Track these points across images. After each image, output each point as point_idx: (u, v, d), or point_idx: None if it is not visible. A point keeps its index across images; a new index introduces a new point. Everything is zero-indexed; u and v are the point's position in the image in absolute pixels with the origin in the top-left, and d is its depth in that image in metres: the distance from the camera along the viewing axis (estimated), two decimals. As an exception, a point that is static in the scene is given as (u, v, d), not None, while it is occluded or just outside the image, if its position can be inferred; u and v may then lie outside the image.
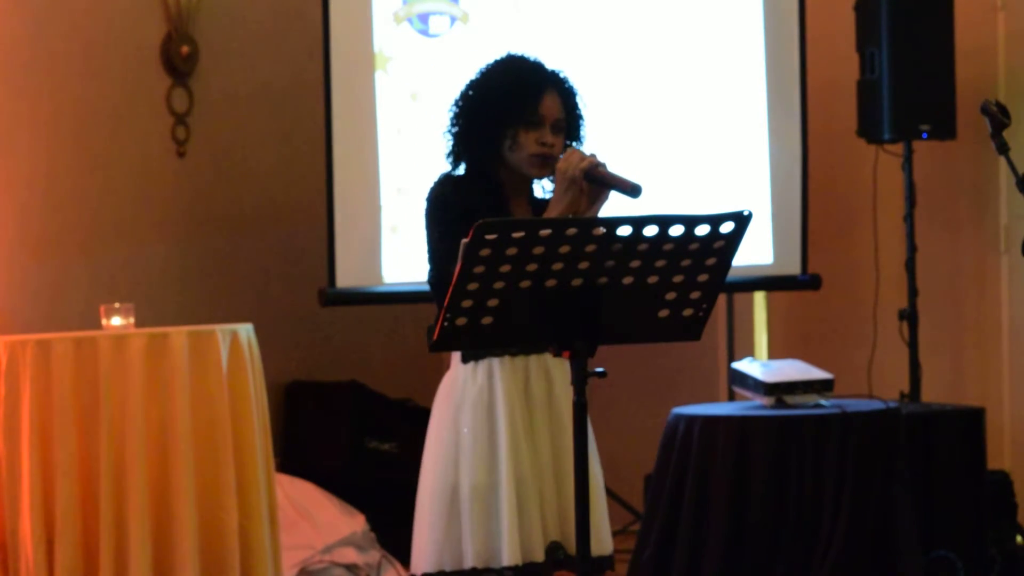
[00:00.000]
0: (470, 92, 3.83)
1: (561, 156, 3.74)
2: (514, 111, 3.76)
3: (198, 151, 6.57)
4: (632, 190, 3.63)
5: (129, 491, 4.88)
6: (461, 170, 3.85)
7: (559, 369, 3.80)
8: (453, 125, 3.84)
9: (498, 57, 3.88)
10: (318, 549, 5.92)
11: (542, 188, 3.90)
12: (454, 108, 3.85)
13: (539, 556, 3.72)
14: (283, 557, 5.32)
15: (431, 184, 3.84)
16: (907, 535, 5.55)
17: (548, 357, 3.79)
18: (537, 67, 3.84)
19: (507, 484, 3.69)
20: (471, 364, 3.77)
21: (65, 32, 6.20)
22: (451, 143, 3.85)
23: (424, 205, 3.81)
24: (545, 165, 3.80)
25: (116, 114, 6.34)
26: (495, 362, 3.75)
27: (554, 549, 3.74)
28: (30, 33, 6.11)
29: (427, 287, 3.83)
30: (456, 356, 3.80)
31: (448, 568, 3.73)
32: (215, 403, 5.03)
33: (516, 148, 3.77)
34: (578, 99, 3.87)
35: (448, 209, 3.74)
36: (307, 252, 6.63)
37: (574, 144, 3.86)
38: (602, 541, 3.82)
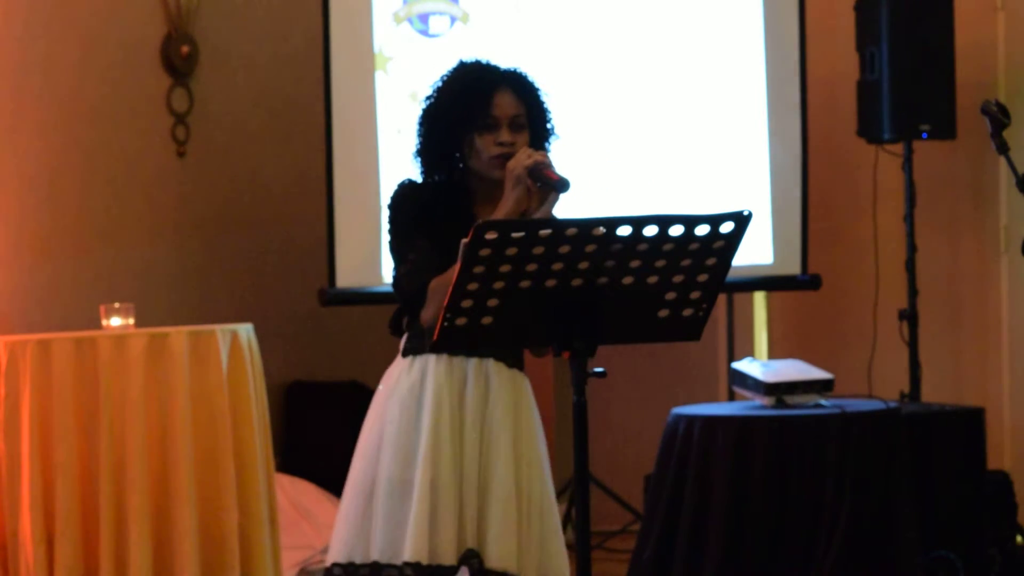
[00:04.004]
0: (425, 107, 3.80)
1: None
2: (466, 117, 3.70)
3: (198, 151, 6.57)
4: (559, 184, 3.56)
5: (129, 491, 4.89)
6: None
7: (499, 378, 3.72)
8: (419, 142, 3.80)
9: (450, 68, 3.82)
10: (318, 549, 5.93)
11: None
12: (418, 126, 3.81)
13: (449, 559, 3.63)
14: (283, 557, 5.32)
15: (394, 189, 3.81)
16: (907, 535, 5.55)
17: (490, 363, 3.72)
18: (486, 68, 3.77)
19: (420, 481, 3.63)
20: (409, 358, 3.74)
21: (65, 32, 6.20)
22: (417, 160, 3.81)
23: (387, 208, 3.80)
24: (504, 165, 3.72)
25: (116, 114, 6.35)
26: (431, 359, 3.71)
27: (468, 556, 3.66)
28: (31, 33, 6.11)
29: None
30: (400, 348, 3.79)
31: (358, 560, 3.67)
32: (215, 403, 5.03)
33: (475, 154, 3.71)
34: (540, 93, 3.77)
35: (403, 213, 3.73)
36: (307, 252, 6.63)
37: (527, 142, 3.78)
38: (557, 565, 3.72)
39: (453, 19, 6.33)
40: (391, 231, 3.78)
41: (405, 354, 3.77)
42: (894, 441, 5.64)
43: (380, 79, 6.26)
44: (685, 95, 6.51)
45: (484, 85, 3.73)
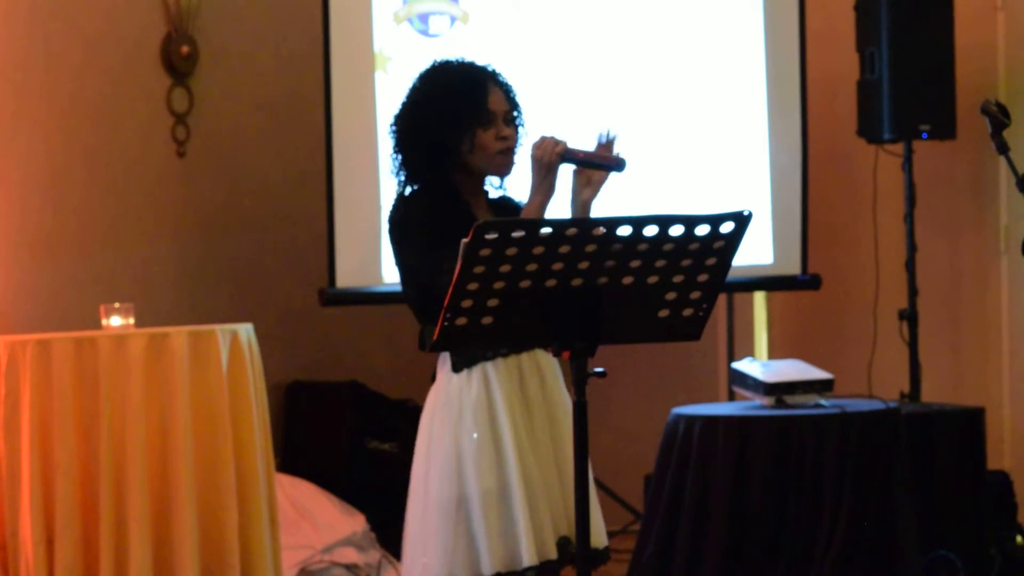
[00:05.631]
0: (413, 109, 3.82)
1: (534, 144, 3.73)
2: (468, 112, 3.74)
3: (198, 151, 6.57)
4: (617, 164, 3.63)
5: (129, 491, 4.88)
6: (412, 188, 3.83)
7: (549, 363, 3.80)
8: (401, 145, 3.83)
9: (427, 69, 3.85)
10: (318, 549, 5.92)
11: (492, 187, 3.88)
12: (397, 129, 3.85)
13: (553, 553, 3.71)
14: (283, 557, 5.32)
15: (392, 207, 3.82)
16: (907, 535, 5.55)
17: (538, 352, 3.78)
18: (473, 66, 3.83)
19: (518, 486, 3.68)
20: (464, 372, 3.73)
21: (65, 32, 6.20)
22: (401, 164, 3.83)
23: (389, 228, 3.80)
24: (509, 159, 3.78)
25: (116, 114, 6.35)
26: (488, 366, 3.73)
27: (564, 544, 3.73)
28: (30, 32, 6.11)
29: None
30: (445, 366, 3.77)
31: None
32: (215, 403, 5.03)
33: (477, 149, 3.76)
34: (514, 92, 3.84)
35: (418, 226, 3.72)
36: (307, 252, 6.63)
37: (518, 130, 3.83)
38: (598, 533, 3.80)
39: (453, 19, 6.33)
40: (410, 245, 3.76)
41: (457, 368, 3.75)
42: (894, 441, 5.64)
43: (380, 79, 6.26)
44: (685, 96, 6.51)
45: (479, 80, 3.79)
